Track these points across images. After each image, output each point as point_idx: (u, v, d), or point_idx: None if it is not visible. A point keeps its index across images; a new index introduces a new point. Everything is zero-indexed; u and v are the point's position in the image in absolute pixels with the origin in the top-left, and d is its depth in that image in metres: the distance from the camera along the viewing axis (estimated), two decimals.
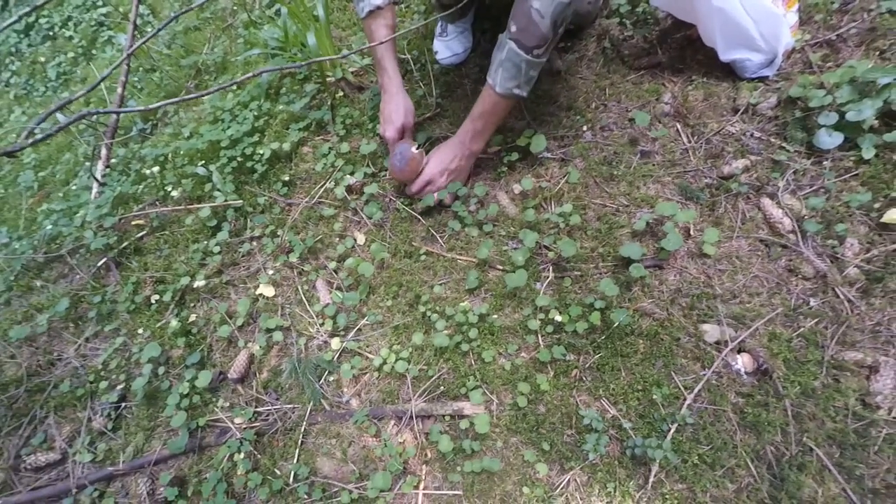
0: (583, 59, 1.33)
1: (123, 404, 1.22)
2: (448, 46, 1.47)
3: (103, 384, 1.22)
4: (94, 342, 1.33)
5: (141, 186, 1.51)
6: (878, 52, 1.10)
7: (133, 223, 1.45)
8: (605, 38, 1.32)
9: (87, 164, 1.64)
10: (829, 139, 1.03)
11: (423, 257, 1.23)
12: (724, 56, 1.12)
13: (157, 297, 1.29)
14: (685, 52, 1.24)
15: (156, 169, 1.50)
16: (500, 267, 1.15)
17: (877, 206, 0.99)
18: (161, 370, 1.21)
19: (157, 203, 1.48)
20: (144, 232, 1.44)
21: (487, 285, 1.14)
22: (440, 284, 1.17)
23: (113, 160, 1.65)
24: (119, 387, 1.22)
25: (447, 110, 1.42)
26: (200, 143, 1.42)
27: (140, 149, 1.62)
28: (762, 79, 1.15)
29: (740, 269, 1.01)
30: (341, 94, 1.51)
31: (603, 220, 1.12)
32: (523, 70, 1.02)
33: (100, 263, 1.41)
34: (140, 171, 1.56)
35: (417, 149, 1.19)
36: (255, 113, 1.50)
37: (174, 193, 1.44)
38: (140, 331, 1.29)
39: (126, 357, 1.26)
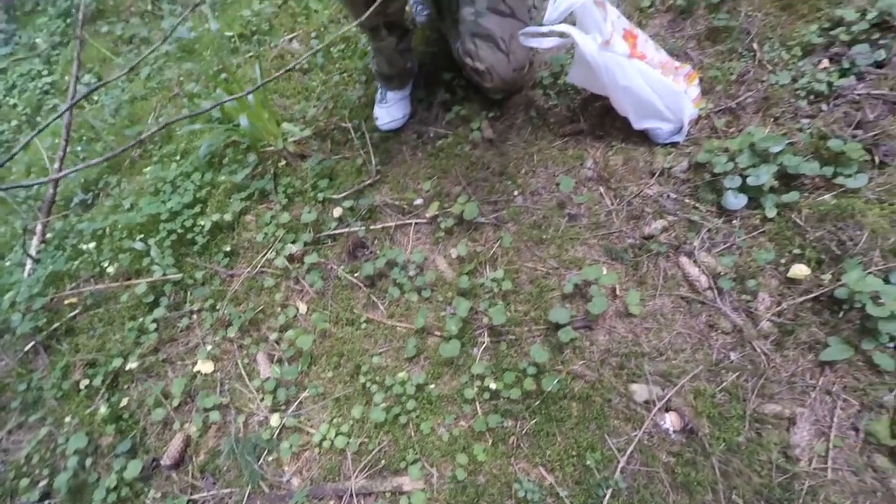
0: (512, 127, 1.40)
1: (46, 502, 1.14)
2: (388, 112, 1.53)
3: (24, 481, 1.14)
4: (18, 434, 1.26)
5: (77, 262, 1.47)
6: (772, 119, 1.20)
7: (66, 302, 1.40)
8: (532, 107, 1.40)
9: (24, 238, 1.59)
10: (735, 200, 1.11)
11: (363, 325, 1.23)
12: (637, 125, 1.21)
13: (87, 381, 1.24)
14: (604, 119, 1.32)
15: (92, 245, 1.47)
16: (439, 333, 1.16)
17: (783, 261, 1.06)
18: (88, 461, 1.14)
19: (92, 280, 1.45)
20: (77, 311, 1.39)
21: (426, 352, 1.15)
22: (380, 354, 1.17)
23: (49, 234, 1.60)
24: (42, 483, 1.15)
25: (387, 176, 1.46)
26: (139, 216, 1.40)
27: (78, 222, 1.59)
28: (674, 144, 1.24)
29: (665, 326, 1.06)
30: (284, 162, 1.54)
31: (535, 284, 1.15)
32: None
33: (27, 348, 1.35)
34: (77, 245, 1.52)
35: None
36: (197, 183, 1.50)
37: (110, 269, 1.40)
38: (67, 419, 1.22)
39: (51, 449, 1.19)
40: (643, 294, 1.08)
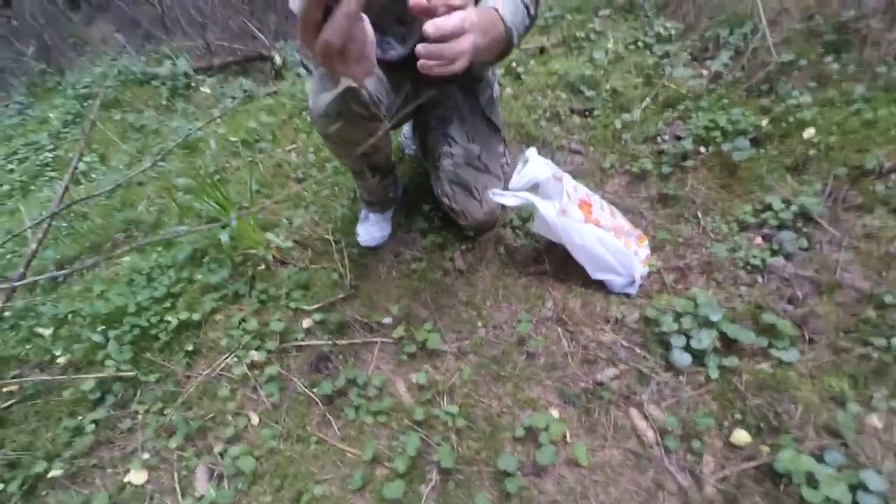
0: (482, 259, 1.50)
1: None
2: (368, 231, 1.62)
3: None
4: None
5: (28, 347, 1.43)
6: (715, 283, 1.32)
7: (4, 389, 1.34)
8: (501, 244, 1.52)
9: None
10: (681, 358, 1.18)
11: (314, 445, 1.20)
12: (593, 276, 1.31)
13: (1, 485, 1.14)
14: (567, 263, 1.43)
15: (49, 330, 1.45)
16: (388, 464, 1.13)
17: (726, 423, 1.10)
18: None
19: (39, 368, 1.40)
20: (14, 400, 1.33)
21: (373, 484, 1.11)
22: (325, 481, 1.13)
23: (7, 313, 1.57)
24: None
25: (361, 291, 1.51)
26: (106, 307, 1.40)
27: (42, 303, 1.57)
28: (627, 295, 1.34)
29: (613, 480, 1.06)
30: (263, 267, 1.59)
31: (489, 422, 1.16)
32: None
33: None
34: (33, 328, 1.49)
35: None
36: (173, 278, 1.53)
37: (61, 359, 1.37)
38: None
39: None
40: (593, 443, 1.10)
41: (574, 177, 1.69)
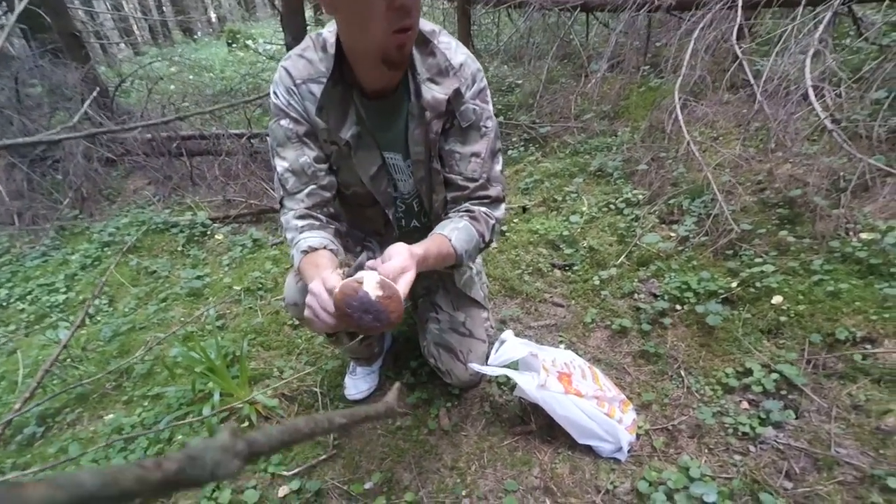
0: (468, 417, 1.48)
1: None
2: (355, 384, 1.63)
3: None
4: None
5: None
6: (707, 448, 1.28)
7: None
8: (487, 401, 1.51)
9: None
10: None
11: None
12: (580, 441, 1.29)
13: None
14: (553, 422, 1.40)
15: None
16: None
17: None
18: None
19: None
20: None
21: None
22: None
23: None
24: None
25: (343, 451, 1.46)
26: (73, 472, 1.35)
27: (13, 466, 1.52)
28: (617, 460, 1.29)
29: None
30: (246, 424, 1.56)
31: None
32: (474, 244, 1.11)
33: None
34: None
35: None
36: (153, 439, 1.49)
37: None
38: None
39: None
40: None
41: (557, 330, 1.76)
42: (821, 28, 1.74)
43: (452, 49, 1.09)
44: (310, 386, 1.71)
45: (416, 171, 1.18)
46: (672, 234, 1.93)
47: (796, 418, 1.27)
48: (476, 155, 1.12)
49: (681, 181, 2.13)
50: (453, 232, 1.07)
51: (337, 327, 0.86)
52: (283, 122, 1.09)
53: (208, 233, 3.08)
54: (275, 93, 1.09)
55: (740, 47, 2.00)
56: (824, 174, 1.77)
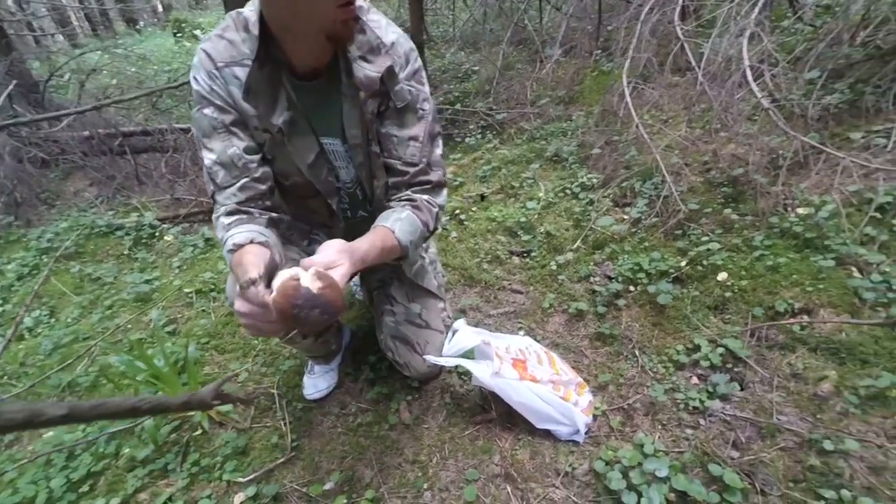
0: (429, 409, 1.47)
1: None
2: (314, 383, 1.59)
3: None
4: None
5: None
6: (660, 425, 1.32)
7: None
8: (447, 392, 1.51)
9: None
10: None
11: None
12: (538, 426, 1.30)
13: None
14: (513, 409, 1.42)
15: None
16: None
17: None
18: None
19: None
20: None
21: None
22: None
23: None
24: None
25: (303, 451, 1.43)
26: (11, 501, 1.27)
27: None
28: (575, 442, 1.31)
29: None
30: (200, 431, 1.51)
31: None
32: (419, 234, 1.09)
33: None
34: None
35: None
36: (97, 454, 1.42)
37: None
38: None
39: None
40: None
41: (517, 317, 1.76)
42: (756, 9, 1.78)
43: (383, 27, 1.05)
44: (267, 387, 1.66)
45: (356, 156, 1.14)
46: (625, 217, 1.96)
47: (741, 390, 1.33)
48: (414, 139, 1.09)
49: (632, 164, 2.16)
50: (396, 223, 1.04)
51: (284, 331, 0.83)
52: (207, 111, 1.02)
53: (157, 234, 2.94)
54: (195, 78, 1.02)
55: (683, 29, 2.04)
56: (764, 153, 1.83)
